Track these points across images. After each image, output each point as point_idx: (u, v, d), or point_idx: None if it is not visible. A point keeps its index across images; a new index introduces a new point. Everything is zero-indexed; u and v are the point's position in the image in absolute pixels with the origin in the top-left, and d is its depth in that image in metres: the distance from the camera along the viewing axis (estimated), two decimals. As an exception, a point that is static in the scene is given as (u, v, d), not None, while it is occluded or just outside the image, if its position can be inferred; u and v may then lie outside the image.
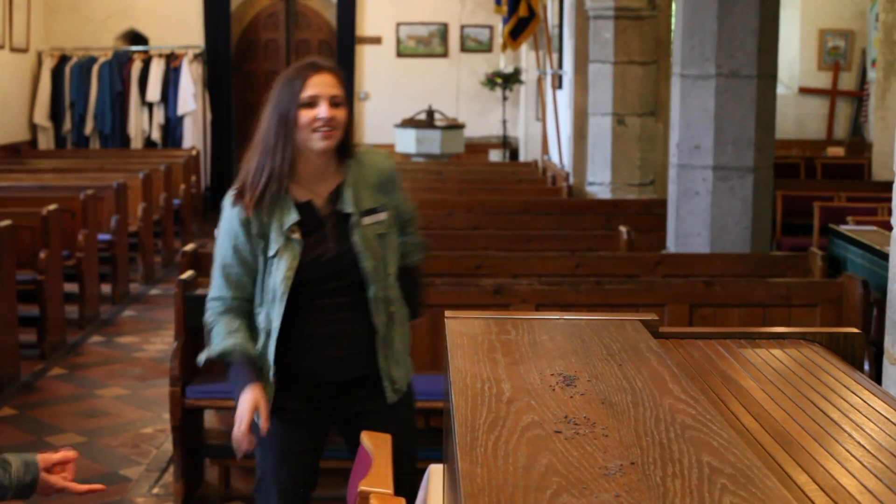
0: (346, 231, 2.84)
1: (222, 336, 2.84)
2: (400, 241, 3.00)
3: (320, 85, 2.76)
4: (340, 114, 2.79)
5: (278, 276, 2.80)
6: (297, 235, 2.81)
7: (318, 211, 2.86)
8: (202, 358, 2.96)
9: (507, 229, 6.47)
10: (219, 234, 2.90)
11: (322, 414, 2.99)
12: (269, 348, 2.84)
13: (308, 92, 2.75)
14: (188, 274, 4.53)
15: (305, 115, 2.75)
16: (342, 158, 2.88)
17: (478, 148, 13.58)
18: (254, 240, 2.83)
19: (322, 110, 2.75)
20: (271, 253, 2.81)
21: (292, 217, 2.81)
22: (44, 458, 2.13)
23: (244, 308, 2.89)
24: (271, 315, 2.83)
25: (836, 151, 12.15)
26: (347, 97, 2.86)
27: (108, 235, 8.09)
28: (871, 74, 11.94)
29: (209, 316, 2.90)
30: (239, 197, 2.83)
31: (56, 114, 12.83)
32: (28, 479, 2.09)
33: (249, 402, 2.76)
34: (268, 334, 2.85)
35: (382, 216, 2.90)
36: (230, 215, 2.85)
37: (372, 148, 3.05)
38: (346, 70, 13.65)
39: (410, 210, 3.06)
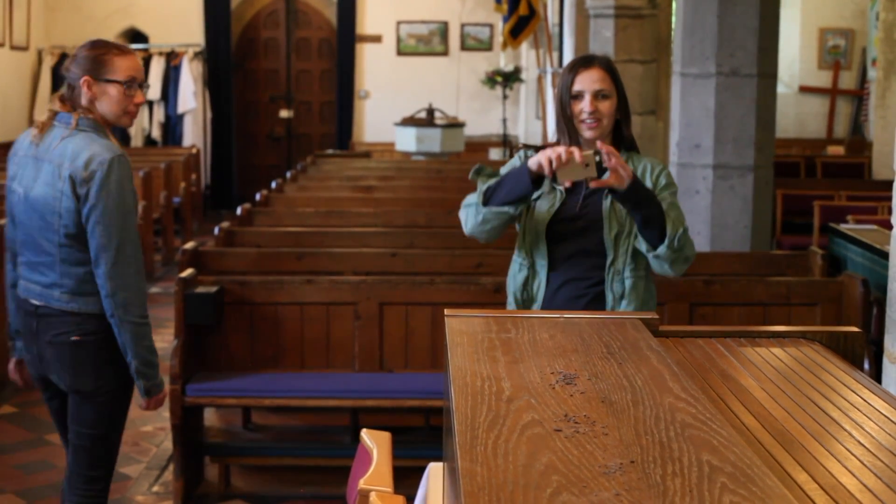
0: (600, 198, 3.11)
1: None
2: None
3: (587, 80, 3.09)
4: (605, 106, 3.09)
5: (538, 216, 3.12)
6: (561, 186, 3.09)
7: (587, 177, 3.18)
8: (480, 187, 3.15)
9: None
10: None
11: None
12: (537, 281, 3.13)
13: (576, 86, 3.10)
14: (188, 272, 4.53)
15: (575, 107, 3.11)
16: (617, 144, 3.17)
17: (478, 146, 13.57)
18: None
19: (586, 104, 3.08)
20: (536, 196, 3.12)
21: None
22: None
23: None
24: (534, 255, 3.14)
25: (837, 150, 12.14)
26: (618, 87, 3.14)
27: (109, 233, 8.07)
28: (872, 73, 11.94)
29: (469, 200, 3.15)
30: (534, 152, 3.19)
31: (56, 112, 12.82)
32: None
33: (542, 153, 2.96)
34: (531, 269, 3.14)
35: None
36: (517, 158, 3.23)
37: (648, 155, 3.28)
38: (346, 69, 13.81)
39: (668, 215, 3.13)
